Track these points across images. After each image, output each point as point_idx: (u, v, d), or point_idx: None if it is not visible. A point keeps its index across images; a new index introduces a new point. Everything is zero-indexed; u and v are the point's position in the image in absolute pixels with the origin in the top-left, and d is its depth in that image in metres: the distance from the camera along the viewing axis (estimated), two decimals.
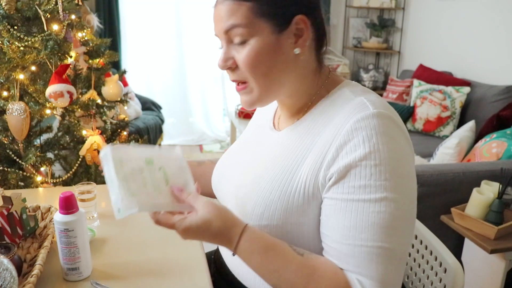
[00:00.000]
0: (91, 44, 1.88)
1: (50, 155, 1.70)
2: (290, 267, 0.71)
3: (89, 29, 1.86)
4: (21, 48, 1.46)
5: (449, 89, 3.09)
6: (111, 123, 1.99)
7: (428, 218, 1.78)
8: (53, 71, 1.47)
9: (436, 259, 0.99)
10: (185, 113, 4.48)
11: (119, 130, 2.01)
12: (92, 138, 1.65)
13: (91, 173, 1.81)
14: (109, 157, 0.73)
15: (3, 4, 1.43)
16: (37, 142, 1.69)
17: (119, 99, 1.97)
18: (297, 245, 0.77)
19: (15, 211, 0.92)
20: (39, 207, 1.03)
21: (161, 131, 3.81)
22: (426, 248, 1.04)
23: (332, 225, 0.71)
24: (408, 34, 4.19)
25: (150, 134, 3.37)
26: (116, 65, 3.90)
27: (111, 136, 1.94)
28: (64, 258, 0.81)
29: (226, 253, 0.95)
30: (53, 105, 1.52)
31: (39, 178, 1.59)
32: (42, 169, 1.63)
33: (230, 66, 0.78)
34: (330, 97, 0.81)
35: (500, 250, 1.58)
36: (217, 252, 1.00)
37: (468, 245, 1.76)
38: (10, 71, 1.48)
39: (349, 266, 0.69)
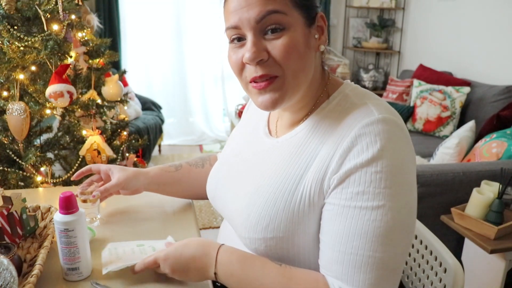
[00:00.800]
0: (91, 44, 1.88)
1: (50, 155, 1.70)
2: (270, 274, 0.71)
3: (89, 29, 1.86)
4: (21, 48, 1.46)
5: (449, 89, 3.09)
6: (111, 123, 1.99)
7: (428, 218, 1.78)
8: (53, 71, 1.47)
9: (436, 259, 0.99)
10: (185, 113, 4.48)
11: (119, 130, 2.01)
12: (92, 138, 1.65)
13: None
14: (106, 248, 0.90)
15: (3, 4, 1.43)
16: (37, 142, 1.69)
17: (119, 99, 1.97)
18: (304, 255, 0.75)
19: (15, 211, 0.92)
20: (39, 207, 1.03)
21: (161, 131, 3.81)
22: (426, 248, 1.04)
23: (327, 230, 0.70)
24: (408, 34, 4.19)
25: (150, 134, 3.37)
26: (116, 65, 3.90)
27: (111, 136, 1.94)
28: (64, 258, 0.81)
29: None
30: (53, 105, 1.52)
31: (39, 178, 1.59)
32: (42, 169, 1.63)
33: (263, 57, 0.70)
34: (331, 102, 0.78)
35: (500, 250, 1.58)
36: None
37: (468, 245, 1.76)
38: (10, 71, 1.49)
39: (335, 273, 0.68)
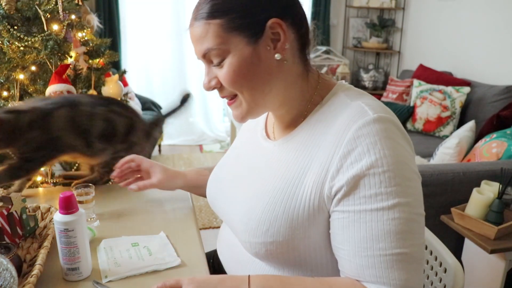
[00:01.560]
0: (91, 44, 1.88)
1: None
2: (310, 284, 0.71)
3: (89, 29, 1.86)
4: (21, 48, 1.46)
5: (449, 89, 3.09)
6: None
7: (428, 218, 1.76)
8: (53, 71, 1.47)
9: (436, 259, 0.99)
10: (185, 113, 4.47)
11: None
12: None
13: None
14: (101, 246, 0.94)
15: (3, 4, 1.43)
16: None
17: (119, 99, 1.97)
18: (305, 259, 0.75)
19: (15, 211, 0.92)
20: (39, 207, 1.03)
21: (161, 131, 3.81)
22: (426, 248, 1.04)
23: (346, 238, 0.69)
24: (408, 34, 4.19)
25: None
26: (116, 65, 3.90)
27: None
28: (64, 258, 0.81)
29: (224, 257, 0.95)
30: None
31: (39, 178, 1.59)
32: (42, 169, 1.63)
33: (215, 86, 0.76)
34: (325, 104, 0.78)
35: (500, 250, 1.58)
36: (215, 253, 1.00)
37: (468, 245, 1.76)
38: (10, 71, 1.48)
39: (369, 277, 0.67)
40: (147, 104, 3.89)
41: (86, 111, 1.15)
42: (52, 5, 1.52)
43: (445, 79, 3.25)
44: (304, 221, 0.72)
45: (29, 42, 1.44)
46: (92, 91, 1.84)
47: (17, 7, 1.47)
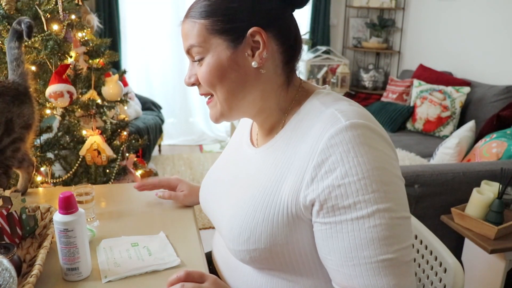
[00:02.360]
0: (91, 44, 1.88)
1: (50, 155, 1.70)
2: None
3: (89, 29, 1.86)
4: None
5: (449, 89, 3.09)
6: (111, 123, 1.99)
7: (428, 218, 1.78)
8: (53, 71, 1.47)
9: (436, 259, 0.99)
10: (185, 113, 4.48)
11: (119, 130, 2.01)
12: (92, 138, 1.65)
13: (91, 173, 1.81)
14: (101, 246, 0.94)
15: (3, 4, 1.42)
16: (37, 142, 1.69)
17: (119, 99, 1.97)
18: (291, 263, 0.75)
19: (15, 211, 0.92)
20: (39, 207, 1.03)
21: (161, 131, 3.81)
22: (426, 248, 1.03)
23: (331, 248, 0.69)
24: (408, 34, 4.19)
25: (150, 134, 3.37)
26: (116, 65, 3.90)
27: (111, 136, 1.94)
28: (64, 258, 0.81)
29: (216, 260, 0.95)
30: (53, 105, 1.52)
31: (39, 178, 1.59)
32: (42, 169, 1.63)
33: (194, 82, 0.80)
34: (301, 111, 0.78)
35: (500, 250, 1.58)
36: (212, 255, 1.00)
37: (468, 245, 1.76)
38: None
39: (359, 286, 0.67)
40: (147, 104, 3.89)
41: None
42: (52, 5, 1.52)
43: (445, 79, 3.25)
44: (284, 228, 0.73)
45: (29, 42, 1.44)
46: (92, 91, 1.84)
47: (17, 7, 1.47)
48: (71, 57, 1.58)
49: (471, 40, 3.29)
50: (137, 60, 4.24)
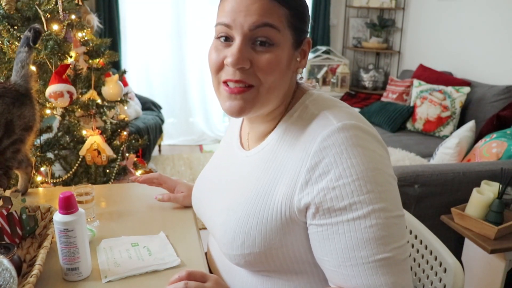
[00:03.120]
0: (91, 44, 1.88)
1: (50, 155, 1.70)
2: None
3: (89, 29, 1.86)
4: None
5: (449, 89, 3.09)
6: (111, 123, 1.99)
7: (428, 218, 1.78)
8: (53, 71, 1.47)
9: (436, 259, 0.99)
10: (185, 113, 4.48)
11: (119, 130, 2.01)
12: (92, 138, 1.65)
13: (91, 173, 1.81)
14: (101, 246, 0.94)
15: (3, 4, 1.43)
16: (37, 142, 1.69)
17: (119, 99, 1.97)
18: (287, 266, 0.75)
19: (15, 211, 0.92)
20: (39, 207, 1.03)
21: (161, 131, 3.81)
22: (426, 248, 1.03)
23: (328, 250, 0.69)
24: (408, 34, 4.19)
25: (150, 134, 3.37)
26: (116, 65, 3.90)
27: (111, 136, 1.94)
28: (64, 258, 0.81)
29: (212, 261, 0.95)
30: (53, 105, 1.52)
31: (39, 178, 1.59)
32: (42, 169, 1.63)
33: (244, 65, 0.70)
34: (293, 114, 0.78)
35: (500, 250, 1.58)
36: (208, 256, 1.00)
37: (468, 245, 1.76)
38: (10, 71, 1.48)
39: (357, 286, 0.67)
40: (147, 104, 3.89)
41: None
42: (52, 5, 1.52)
43: (445, 79, 3.25)
44: (278, 232, 0.72)
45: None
46: (92, 91, 1.84)
47: (17, 7, 1.47)
48: (71, 57, 1.58)
49: (471, 40, 3.29)
50: (137, 60, 4.23)
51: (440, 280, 0.97)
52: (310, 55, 4.32)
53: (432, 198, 1.80)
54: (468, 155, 2.37)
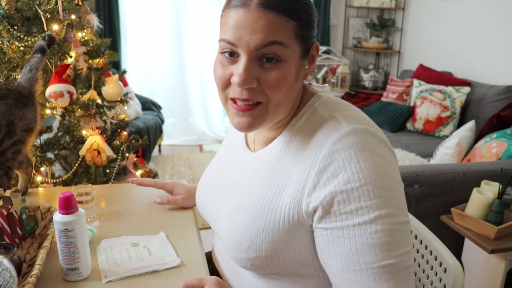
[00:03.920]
0: (91, 44, 1.88)
1: (50, 155, 1.70)
2: None
3: (89, 29, 1.86)
4: (21, 48, 1.46)
5: (449, 89, 3.09)
6: (111, 123, 1.99)
7: (428, 218, 1.78)
8: (53, 71, 1.47)
9: (436, 259, 0.99)
10: (185, 113, 4.48)
11: (119, 130, 2.01)
12: (92, 138, 1.65)
13: (91, 173, 1.81)
14: (101, 246, 0.94)
15: (3, 4, 1.42)
16: (37, 142, 1.69)
17: (119, 99, 1.97)
18: (292, 269, 0.75)
19: (15, 211, 0.92)
20: (39, 207, 1.03)
21: (161, 131, 3.81)
22: (426, 248, 1.03)
23: (332, 254, 0.68)
24: (408, 34, 4.19)
25: (150, 134, 3.37)
26: (116, 65, 3.90)
27: (111, 136, 1.94)
28: (64, 258, 0.81)
29: (218, 263, 0.95)
30: (53, 105, 1.52)
31: (39, 178, 1.59)
32: (42, 169, 1.63)
33: (251, 84, 0.68)
34: (301, 117, 0.76)
35: (500, 250, 1.58)
36: (213, 256, 1.00)
37: (468, 245, 1.76)
38: (10, 71, 1.48)
39: None
40: (147, 104, 3.89)
41: None
42: (52, 5, 1.52)
43: (445, 79, 3.25)
44: (285, 236, 0.72)
45: (29, 42, 1.44)
46: (92, 91, 1.84)
47: (17, 7, 1.47)
48: (71, 57, 1.58)
49: (471, 40, 3.29)
50: (137, 60, 4.24)
51: (440, 280, 0.97)
52: None
53: (432, 198, 1.80)
54: (468, 155, 2.37)
